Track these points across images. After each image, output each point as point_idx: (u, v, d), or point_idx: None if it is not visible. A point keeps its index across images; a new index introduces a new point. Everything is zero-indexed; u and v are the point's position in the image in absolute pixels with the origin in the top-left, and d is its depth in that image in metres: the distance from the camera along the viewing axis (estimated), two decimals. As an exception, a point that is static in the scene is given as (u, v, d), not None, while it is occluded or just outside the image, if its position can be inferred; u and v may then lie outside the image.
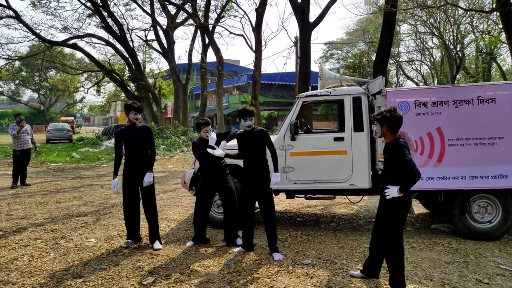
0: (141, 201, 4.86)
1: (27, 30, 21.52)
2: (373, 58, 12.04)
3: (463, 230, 5.07)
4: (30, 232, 5.51)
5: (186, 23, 23.07)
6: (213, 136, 4.77)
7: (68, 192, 8.76)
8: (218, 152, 4.67)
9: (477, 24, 23.99)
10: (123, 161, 4.85)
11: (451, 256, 4.44)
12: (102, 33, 26.10)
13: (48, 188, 9.39)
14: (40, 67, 27.84)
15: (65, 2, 33.99)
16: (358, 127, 5.30)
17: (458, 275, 3.92)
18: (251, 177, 4.49)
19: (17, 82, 51.44)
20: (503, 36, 11.59)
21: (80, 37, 23.39)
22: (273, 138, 5.85)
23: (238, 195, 4.92)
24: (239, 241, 4.81)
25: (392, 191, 3.31)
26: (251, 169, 4.50)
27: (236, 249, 4.66)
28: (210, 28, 19.55)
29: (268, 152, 4.49)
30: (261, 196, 4.49)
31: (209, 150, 4.68)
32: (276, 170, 4.46)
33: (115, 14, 21.89)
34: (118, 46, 22.97)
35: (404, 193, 3.30)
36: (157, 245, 4.77)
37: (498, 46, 22.09)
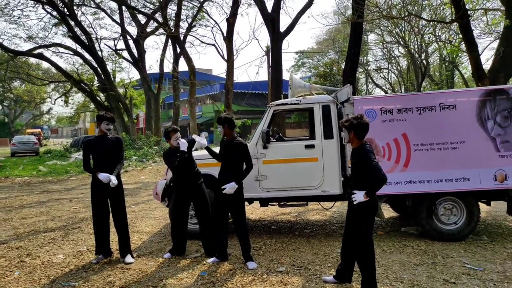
0: (110, 214, 4.74)
1: (-12, 39, 20.69)
2: (343, 66, 12.36)
3: (431, 232, 5.24)
4: (-8, 251, 5.25)
5: (157, 33, 22.91)
6: (183, 141, 4.73)
7: (35, 207, 8.42)
8: (203, 141, 4.75)
9: (439, 34, 25.12)
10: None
11: (420, 258, 4.58)
12: (70, 42, 25.55)
13: (12, 203, 8.99)
14: (3, 77, 26.79)
15: (30, 10, 33.14)
16: (328, 135, 5.41)
17: (427, 276, 4.05)
18: (222, 182, 4.50)
19: (-22, 93, 49.22)
20: (463, 45, 12.19)
21: (46, 46, 22.71)
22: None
23: (212, 205, 4.89)
24: (215, 259, 4.73)
25: (359, 196, 3.41)
26: (223, 175, 4.52)
27: (210, 260, 4.62)
28: (182, 38, 19.48)
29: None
30: (232, 206, 4.50)
31: (195, 137, 4.80)
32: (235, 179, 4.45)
33: (83, 23, 21.46)
34: (87, 55, 22.45)
35: (370, 197, 3.40)
36: (128, 258, 4.66)
37: (459, 54, 23.19)
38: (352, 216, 3.60)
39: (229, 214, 4.67)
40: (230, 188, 4.37)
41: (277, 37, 14.01)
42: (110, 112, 4.98)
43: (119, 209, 4.70)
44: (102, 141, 4.63)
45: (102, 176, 4.47)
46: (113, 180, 4.49)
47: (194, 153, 5.03)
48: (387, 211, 6.93)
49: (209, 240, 4.82)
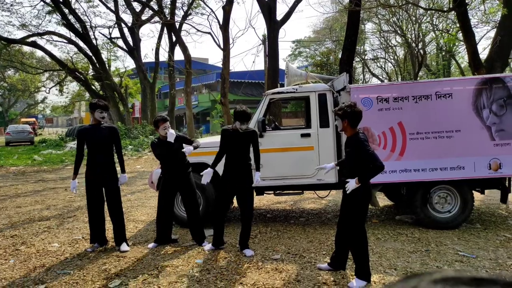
0: (105, 203, 4.73)
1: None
2: (340, 56, 12.29)
3: (425, 220, 5.28)
4: (-13, 239, 5.24)
5: (152, 21, 22.60)
6: (171, 131, 4.69)
7: (30, 196, 8.39)
8: (188, 150, 4.69)
9: (436, 23, 25.04)
10: (84, 162, 4.71)
11: (414, 246, 4.62)
12: (64, 30, 25.20)
13: (7, 192, 8.95)
14: (-4, 66, 26.45)
15: (23, -2, 32.41)
16: (324, 123, 5.40)
17: (421, 263, 4.09)
18: (234, 175, 4.41)
19: (-29, 82, 48.61)
20: (460, 34, 12.15)
21: (40, 34, 22.40)
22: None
23: (205, 194, 4.91)
24: (206, 243, 4.76)
25: (351, 184, 3.43)
26: (237, 166, 4.43)
27: (207, 248, 4.63)
28: (177, 26, 19.26)
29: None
30: (243, 195, 4.46)
31: (185, 150, 4.72)
32: (258, 169, 4.56)
33: (77, 11, 21.17)
34: (81, 44, 22.18)
35: (364, 185, 3.41)
36: (124, 247, 4.66)
37: (456, 44, 23.13)
38: (345, 204, 3.61)
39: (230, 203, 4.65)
40: (259, 178, 4.51)
41: (273, 26, 13.88)
42: (103, 100, 4.92)
43: (114, 198, 4.69)
44: (96, 130, 4.58)
45: (72, 186, 4.71)
46: (126, 179, 4.77)
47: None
48: (382, 200, 6.97)
49: (197, 228, 4.83)
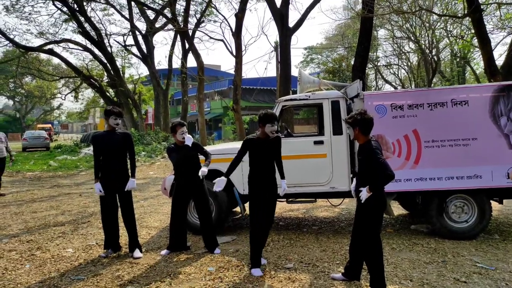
0: (119, 209, 4.77)
1: (0, 35, 20.92)
2: (352, 62, 12.25)
3: (441, 230, 5.17)
4: (4, 244, 5.32)
5: (166, 28, 22.89)
6: (189, 136, 4.71)
7: (45, 202, 8.52)
8: (202, 172, 4.63)
9: (451, 29, 24.76)
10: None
11: (430, 256, 4.53)
12: (80, 38, 25.71)
13: (23, 197, 9.11)
14: (15, 73, 27.08)
15: (40, 7, 33.34)
16: (337, 131, 5.36)
17: (437, 274, 4.00)
18: (265, 185, 4.16)
19: (-10, 89, 49.87)
20: (475, 40, 11.98)
21: (57, 42, 22.88)
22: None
23: (217, 201, 4.90)
24: (218, 250, 4.76)
25: (363, 193, 3.39)
26: (265, 176, 4.18)
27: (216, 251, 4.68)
28: (190, 33, 19.46)
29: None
30: (272, 204, 4.27)
31: (200, 173, 4.62)
32: (283, 177, 4.37)
33: (93, 19, 21.59)
34: (96, 51, 22.59)
35: (378, 194, 3.37)
36: (137, 253, 4.68)
37: (471, 50, 22.82)
38: (360, 213, 3.57)
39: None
40: (285, 186, 4.34)
41: (286, 33, 13.91)
42: (118, 107, 4.99)
43: (127, 205, 4.73)
44: (110, 136, 4.64)
45: (97, 188, 4.62)
46: (134, 185, 4.72)
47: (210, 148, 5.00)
48: (397, 209, 6.86)
49: (209, 235, 4.82)
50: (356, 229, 3.66)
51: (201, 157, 4.94)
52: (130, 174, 4.77)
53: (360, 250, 3.62)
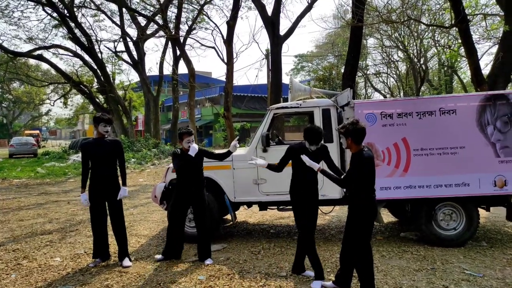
0: (108, 217, 4.71)
1: (-12, 40, 20.68)
2: (342, 70, 12.39)
3: (430, 238, 5.22)
4: (-11, 253, 5.21)
5: (157, 35, 22.93)
6: (194, 146, 4.68)
7: (32, 209, 8.37)
8: (260, 162, 4.50)
9: (438, 38, 25.22)
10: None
11: (419, 264, 4.56)
12: (70, 44, 25.54)
13: (10, 205, 8.94)
14: (2, 78, 26.74)
15: (30, 12, 33.13)
16: (327, 139, 5.39)
17: (426, 281, 4.03)
18: (308, 192, 4.14)
19: (-23, 94, 49.13)
20: (462, 50, 12.23)
21: (46, 48, 22.72)
22: (245, 150, 5.86)
23: (210, 210, 4.89)
24: (210, 260, 4.72)
25: (308, 160, 3.79)
26: (309, 184, 4.15)
27: (208, 262, 4.64)
28: (181, 40, 19.49)
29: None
30: (314, 210, 4.21)
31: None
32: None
33: (83, 25, 21.48)
34: (86, 57, 22.47)
35: (368, 202, 3.47)
36: (126, 262, 4.62)
37: (458, 59, 23.26)
38: (351, 220, 3.58)
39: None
40: None
41: (277, 41, 14.03)
42: (107, 114, 4.95)
43: (117, 213, 4.68)
44: (100, 143, 4.60)
45: (83, 198, 4.62)
46: (126, 193, 4.71)
47: None
48: (386, 216, 6.91)
49: (205, 245, 4.79)
50: (346, 236, 3.68)
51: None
52: (120, 182, 4.73)
53: (350, 258, 3.63)
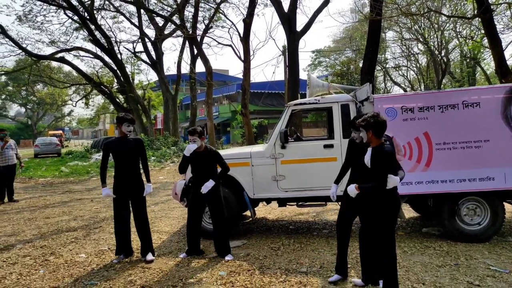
0: (131, 214, 4.82)
1: (13, 44, 21.33)
2: (360, 65, 12.22)
3: (453, 233, 5.12)
4: (18, 249, 5.41)
5: (174, 35, 23.14)
6: (190, 146, 4.72)
7: (57, 207, 8.63)
8: (205, 188, 4.70)
9: (460, 30, 24.56)
10: (111, 172, 4.83)
11: (442, 259, 4.48)
12: (90, 46, 25.99)
13: (36, 203, 9.24)
14: (27, 81, 27.57)
15: (52, 16, 33.97)
16: (347, 134, 5.34)
17: (450, 278, 3.95)
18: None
19: (3, 97, 50.85)
20: (485, 41, 11.86)
21: (68, 50, 23.25)
22: (263, 146, 5.88)
23: (227, 205, 4.94)
24: (230, 256, 4.77)
25: (351, 188, 3.52)
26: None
27: (228, 257, 4.68)
28: (198, 39, 19.62)
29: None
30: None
31: (203, 189, 4.70)
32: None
33: (103, 27, 21.86)
34: (106, 58, 22.88)
35: (383, 195, 3.36)
36: (149, 256, 4.74)
37: (482, 51, 22.59)
38: (373, 216, 3.50)
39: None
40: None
41: (293, 37, 13.95)
42: (129, 114, 5.06)
43: (141, 209, 4.78)
44: (122, 142, 4.70)
45: (105, 193, 4.69)
46: (151, 189, 4.83)
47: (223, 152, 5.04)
48: (408, 211, 6.80)
49: (222, 241, 4.84)
50: (367, 232, 3.63)
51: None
52: (144, 180, 4.84)
53: (372, 254, 3.58)
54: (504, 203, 5.17)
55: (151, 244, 4.86)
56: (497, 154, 4.88)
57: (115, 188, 4.71)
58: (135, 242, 5.12)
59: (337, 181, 4.18)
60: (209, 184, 4.71)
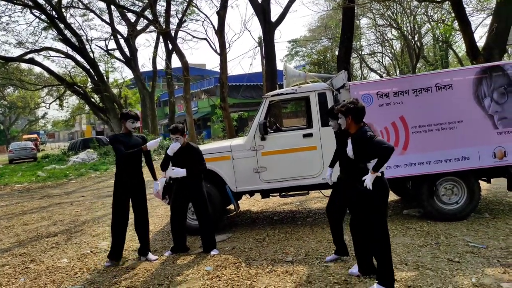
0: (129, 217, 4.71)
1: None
2: (337, 53, 12.29)
3: (433, 213, 5.25)
4: (-4, 259, 5.24)
5: (148, 30, 22.73)
6: (173, 145, 4.64)
7: (36, 213, 8.40)
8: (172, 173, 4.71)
9: (432, 14, 25.00)
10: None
11: (423, 239, 4.59)
12: (60, 45, 25.28)
13: (13, 210, 8.97)
14: (-5, 84, 26.57)
15: (18, 16, 32.72)
16: (325, 122, 5.38)
17: (431, 256, 4.06)
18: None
19: (-28, 102, 48.89)
20: (456, 24, 12.12)
21: (37, 51, 22.47)
22: (243, 139, 5.86)
23: (210, 201, 4.92)
24: (216, 251, 4.76)
25: (368, 178, 3.24)
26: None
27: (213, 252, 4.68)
28: (173, 34, 19.31)
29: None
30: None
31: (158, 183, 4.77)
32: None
33: (72, 25, 21.22)
34: (78, 57, 22.25)
35: (377, 171, 3.20)
36: (152, 256, 4.70)
37: (453, 34, 23.10)
38: (362, 202, 3.42)
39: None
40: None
41: (269, 27, 13.91)
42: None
43: (142, 207, 4.71)
44: (129, 138, 4.61)
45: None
46: (158, 187, 4.81)
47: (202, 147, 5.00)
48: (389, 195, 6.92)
49: (208, 236, 4.81)
50: (357, 219, 3.60)
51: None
52: (152, 178, 4.87)
53: (366, 242, 3.51)
54: (479, 181, 5.33)
55: (149, 244, 4.81)
56: (470, 134, 5.01)
57: (118, 186, 4.59)
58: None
59: (331, 165, 4.26)
60: (180, 171, 4.65)
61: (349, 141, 3.47)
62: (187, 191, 4.79)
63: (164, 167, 4.88)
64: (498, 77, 4.99)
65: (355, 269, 3.77)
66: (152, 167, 4.89)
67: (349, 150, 3.46)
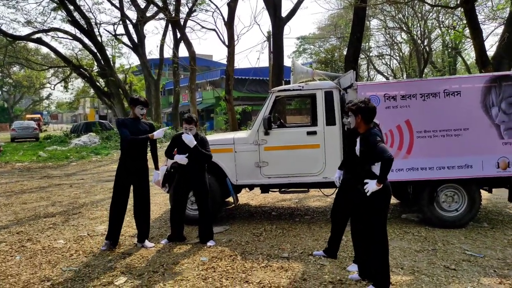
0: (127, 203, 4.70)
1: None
2: (345, 52, 12.23)
3: (432, 219, 5.23)
4: (-7, 236, 5.26)
5: (157, 17, 22.59)
6: (189, 138, 4.59)
7: (35, 193, 8.42)
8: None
9: (443, 19, 24.83)
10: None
11: (420, 245, 4.58)
12: (69, 27, 25.20)
13: (13, 188, 9.00)
14: (2, 62, 26.56)
15: (28, -6, 32.52)
16: (330, 121, 5.36)
17: (427, 262, 4.05)
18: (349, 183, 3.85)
19: (-23, 78, 48.95)
20: (467, 31, 12.01)
21: (45, 31, 22.42)
22: (246, 133, 5.84)
23: (210, 192, 4.91)
24: (212, 242, 4.76)
25: (371, 185, 3.22)
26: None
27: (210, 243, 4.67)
28: (182, 23, 19.22)
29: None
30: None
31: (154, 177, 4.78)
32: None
33: (82, 7, 21.12)
34: (86, 40, 22.20)
35: (383, 183, 3.19)
36: (148, 244, 4.70)
37: (463, 41, 22.93)
38: (364, 206, 3.39)
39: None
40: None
41: (278, 22, 13.81)
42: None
43: (144, 194, 4.69)
44: (136, 124, 4.58)
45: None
46: (158, 177, 4.81)
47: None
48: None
49: (207, 227, 4.81)
50: (358, 223, 3.59)
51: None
52: (154, 166, 4.82)
53: (366, 241, 3.48)
54: (480, 190, 5.30)
55: (148, 231, 4.81)
56: (475, 142, 4.98)
57: (121, 172, 4.55)
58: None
59: (341, 167, 4.19)
60: (184, 157, 4.63)
61: (358, 140, 3.44)
62: (189, 181, 4.77)
63: (169, 155, 4.86)
64: (508, 87, 4.94)
65: (354, 272, 3.73)
66: (156, 156, 4.87)
67: (358, 149, 3.44)
